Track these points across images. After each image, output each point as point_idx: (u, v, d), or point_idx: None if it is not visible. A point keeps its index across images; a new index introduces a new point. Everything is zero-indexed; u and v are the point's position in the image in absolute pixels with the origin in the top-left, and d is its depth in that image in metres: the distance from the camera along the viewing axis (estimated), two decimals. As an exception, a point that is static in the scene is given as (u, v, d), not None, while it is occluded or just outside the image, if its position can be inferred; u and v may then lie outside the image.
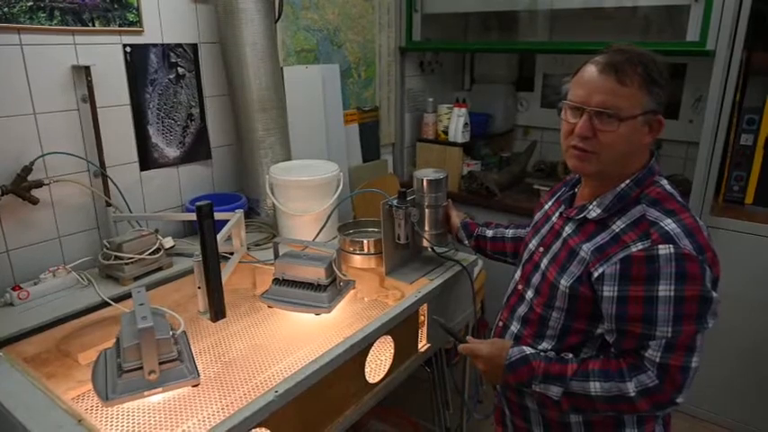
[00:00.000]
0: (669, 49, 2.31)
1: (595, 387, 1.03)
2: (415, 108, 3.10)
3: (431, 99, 3.02)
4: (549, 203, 1.32)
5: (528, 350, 1.13)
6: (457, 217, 1.69)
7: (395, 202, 1.63)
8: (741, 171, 2.31)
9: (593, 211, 1.11)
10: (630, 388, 1.01)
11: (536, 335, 1.18)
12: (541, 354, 1.12)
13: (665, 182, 1.11)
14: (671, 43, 2.33)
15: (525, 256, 1.29)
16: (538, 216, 1.34)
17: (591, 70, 1.06)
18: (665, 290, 0.98)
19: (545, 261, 1.19)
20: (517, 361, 1.12)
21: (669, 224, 1.01)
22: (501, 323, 1.31)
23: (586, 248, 1.09)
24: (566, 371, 1.06)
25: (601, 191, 1.11)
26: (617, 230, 1.06)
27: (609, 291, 1.03)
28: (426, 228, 1.69)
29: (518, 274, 1.30)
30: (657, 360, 1.00)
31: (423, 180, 1.65)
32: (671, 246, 0.98)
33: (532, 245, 1.28)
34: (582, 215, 1.13)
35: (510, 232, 1.57)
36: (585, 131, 1.06)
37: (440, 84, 3.24)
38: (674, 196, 1.08)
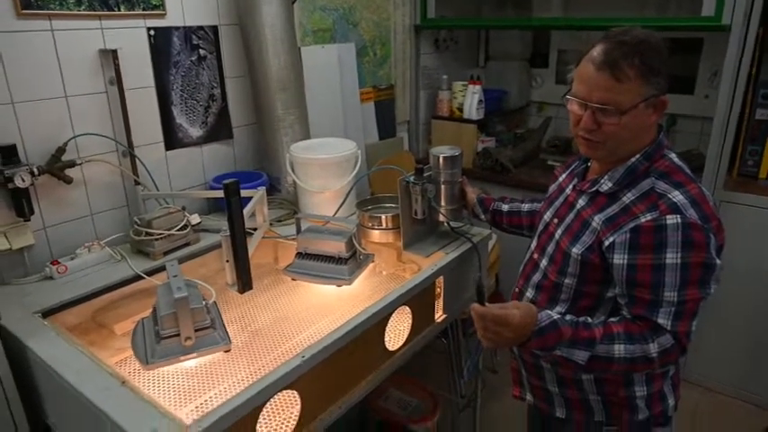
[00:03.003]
0: (685, 24, 2.31)
1: (619, 350, 1.06)
2: (430, 85, 3.13)
3: (445, 76, 3.04)
4: (563, 176, 1.38)
5: (554, 315, 1.10)
6: (472, 193, 1.74)
7: (412, 178, 1.68)
8: (756, 145, 2.32)
9: (605, 185, 1.16)
10: (653, 349, 1.06)
11: (549, 300, 1.25)
12: (566, 318, 1.10)
13: (673, 155, 1.16)
14: (686, 18, 2.33)
15: (540, 226, 1.36)
16: (552, 188, 1.41)
17: (589, 68, 1.09)
18: (671, 257, 1.04)
19: (559, 231, 1.25)
20: (547, 326, 1.08)
21: (676, 195, 1.07)
22: (517, 290, 1.38)
23: (598, 219, 1.15)
24: (594, 335, 1.07)
25: (612, 166, 1.17)
26: (627, 202, 1.12)
27: (619, 258, 1.09)
28: (442, 203, 1.74)
29: (534, 243, 1.37)
30: (669, 327, 1.06)
31: (439, 157, 1.69)
32: (678, 216, 1.04)
33: (547, 216, 1.34)
34: (594, 188, 1.19)
35: (526, 206, 1.62)
36: (590, 125, 1.11)
37: (454, 61, 3.26)
38: (681, 169, 1.14)
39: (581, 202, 1.22)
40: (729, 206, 2.27)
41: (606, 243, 1.11)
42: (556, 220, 1.28)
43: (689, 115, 2.74)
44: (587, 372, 1.19)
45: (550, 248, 1.27)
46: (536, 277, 1.30)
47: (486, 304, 1.08)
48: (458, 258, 1.71)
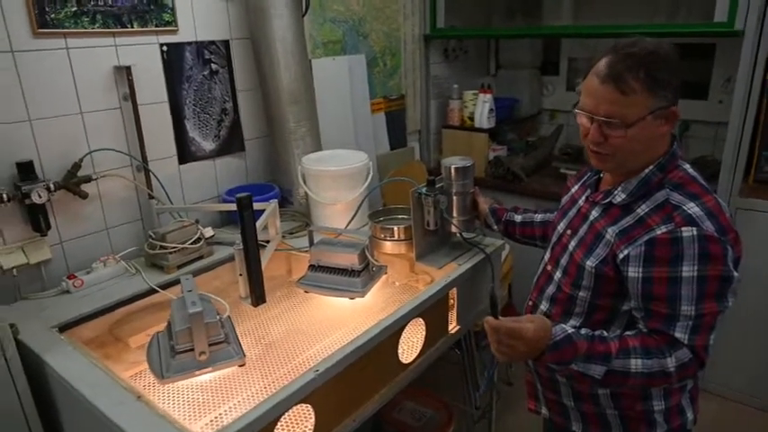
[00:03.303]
0: (697, 30, 2.30)
1: (636, 364, 1.04)
2: (441, 95, 3.13)
3: (456, 85, 3.05)
4: (576, 187, 1.37)
5: (568, 329, 1.09)
6: (485, 203, 1.74)
7: (424, 189, 1.68)
8: (772, 151, 2.29)
9: (619, 196, 1.15)
10: (671, 364, 1.04)
11: (564, 313, 1.24)
12: (579, 332, 1.09)
13: (687, 166, 1.15)
14: (699, 24, 2.31)
15: (554, 238, 1.34)
16: (565, 199, 1.40)
17: (594, 81, 1.09)
18: (688, 270, 1.03)
19: (573, 243, 1.24)
20: (562, 340, 1.06)
21: (692, 207, 1.05)
22: (531, 302, 1.37)
23: (612, 231, 1.13)
24: (610, 349, 1.06)
25: (624, 178, 1.16)
26: (641, 214, 1.10)
27: (634, 272, 1.08)
28: (455, 214, 1.74)
29: (547, 255, 1.36)
30: (686, 342, 1.04)
31: (450, 168, 1.69)
32: (694, 228, 1.03)
33: (561, 227, 1.33)
34: (608, 200, 1.18)
35: (539, 217, 1.61)
36: (597, 138, 1.11)
37: (465, 70, 3.26)
38: (696, 180, 1.12)
39: (594, 214, 1.21)
40: (745, 213, 2.24)
41: (621, 256, 1.10)
42: (569, 232, 1.27)
43: (702, 121, 2.72)
44: (604, 386, 1.17)
45: (564, 260, 1.25)
46: (550, 290, 1.29)
47: (500, 317, 1.08)
48: (471, 269, 1.70)
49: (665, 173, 1.12)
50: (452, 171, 1.69)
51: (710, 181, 2.23)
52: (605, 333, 1.12)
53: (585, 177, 1.35)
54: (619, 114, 1.07)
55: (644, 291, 1.08)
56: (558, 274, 1.27)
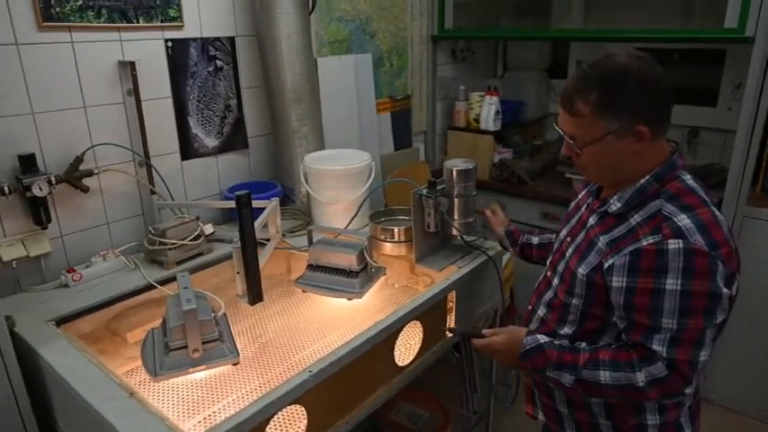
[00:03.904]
0: (707, 36, 2.27)
1: (605, 376, 1.07)
2: (447, 96, 3.12)
3: (462, 87, 3.03)
4: (582, 193, 1.36)
5: (542, 338, 1.18)
6: (500, 225, 1.70)
7: (425, 191, 1.67)
8: (780, 160, 2.26)
9: (614, 205, 1.13)
10: (640, 378, 1.04)
11: (559, 319, 1.23)
12: (555, 342, 1.17)
13: (687, 176, 1.12)
14: (708, 30, 2.29)
15: (556, 244, 1.34)
16: (571, 205, 1.38)
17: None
18: (672, 283, 1.00)
19: (570, 250, 1.23)
20: (532, 349, 1.17)
21: (683, 219, 1.03)
22: (530, 307, 1.36)
23: (603, 240, 1.13)
24: (577, 360, 1.11)
25: (620, 187, 1.14)
26: (633, 224, 1.09)
27: (618, 281, 1.07)
28: (455, 217, 1.73)
29: (549, 262, 1.35)
30: (665, 355, 1.02)
31: (452, 170, 1.68)
32: (680, 241, 1.00)
33: (562, 234, 1.32)
34: (603, 208, 1.17)
35: (555, 236, 1.57)
36: (566, 152, 1.16)
37: (472, 72, 3.25)
38: (694, 191, 1.09)
39: (591, 221, 1.20)
40: (752, 222, 2.21)
41: (606, 265, 1.09)
42: (569, 239, 1.26)
43: (711, 128, 2.69)
44: (580, 394, 1.17)
45: (561, 267, 1.25)
46: (548, 295, 1.28)
47: (485, 331, 1.29)
48: (470, 273, 1.69)
49: (661, 183, 1.10)
50: (454, 173, 1.68)
51: (717, 189, 2.22)
52: (582, 345, 1.15)
53: (590, 184, 1.33)
54: (571, 134, 1.11)
55: (626, 301, 1.06)
56: (555, 281, 1.26)
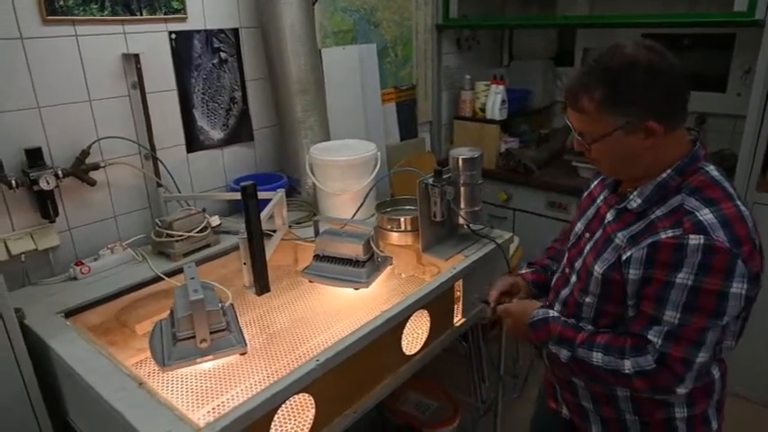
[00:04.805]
0: (716, 19, 2.24)
1: (597, 358, 1.08)
2: (452, 86, 3.10)
3: (468, 76, 3.01)
4: (595, 183, 1.30)
5: (552, 313, 1.21)
6: (521, 284, 1.43)
7: (430, 180, 1.66)
8: (791, 145, 2.23)
9: (634, 202, 1.09)
10: (627, 366, 1.03)
11: (573, 316, 1.20)
12: (562, 318, 1.19)
13: (711, 167, 1.07)
14: (717, 14, 2.25)
15: (572, 239, 1.28)
16: (584, 196, 1.33)
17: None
18: (683, 278, 0.98)
19: (588, 247, 1.19)
20: (539, 321, 1.20)
21: (705, 214, 0.98)
22: (547, 303, 1.33)
23: (622, 236, 1.09)
24: (575, 338, 1.13)
25: (639, 182, 1.09)
26: (653, 218, 1.05)
27: (635, 273, 1.04)
28: (462, 205, 1.72)
29: (566, 258, 1.30)
30: (658, 347, 1.00)
31: (458, 159, 1.67)
32: (702, 237, 0.96)
33: (578, 228, 1.27)
34: (623, 205, 1.12)
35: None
36: (577, 147, 1.14)
37: (477, 61, 3.22)
38: (719, 183, 1.04)
39: (609, 217, 1.16)
40: (763, 208, 2.18)
41: (623, 257, 1.06)
42: (587, 235, 1.22)
43: (720, 114, 2.65)
44: (576, 373, 1.17)
45: (578, 264, 1.21)
46: (564, 292, 1.26)
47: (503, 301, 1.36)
48: (477, 261, 1.68)
49: (683, 177, 1.05)
50: (460, 162, 1.67)
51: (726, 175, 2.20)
52: (588, 326, 1.15)
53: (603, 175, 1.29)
54: (580, 130, 1.09)
55: (638, 290, 1.05)
56: (573, 278, 1.23)
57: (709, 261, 0.96)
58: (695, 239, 0.97)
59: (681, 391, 1.03)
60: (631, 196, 1.09)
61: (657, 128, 1.01)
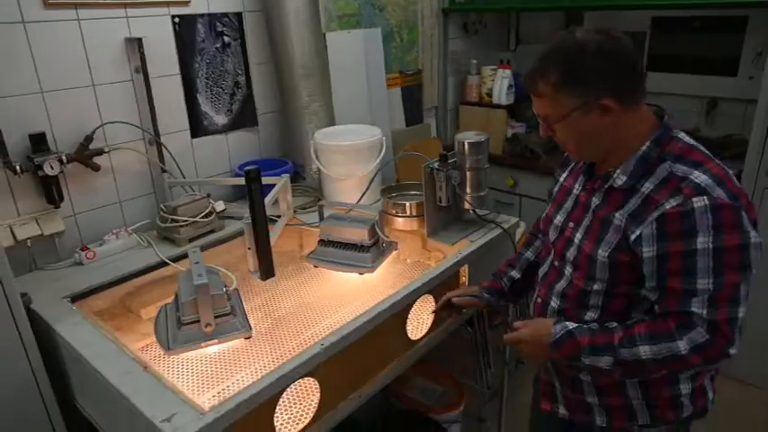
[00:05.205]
0: (728, 0, 2.20)
1: (645, 351, 1.03)
2: (459, 70, 3.07)
3: (474, 61, 2.98)
4: (563, 176, 1.31)
5: (571, 325, 1.13)
6: (472, 293, 1.50)
7: (436, 164, 1.65)
8: (803, 129, 2.19)
9: (619, 179, 1.10)
10: (682, 346, 1.01)
11: (578, 307, 1.18)
12: (584, 327, 1.12)
13: (683, 135, 1.11)
14: (730, -6, 2.21)
15: (554, 233, 1.27)
16: (555, 190, 1.33)
17: None
18: (703, 242, 0.98)
19: (578, 235, 1.18)
20: (561, 337, 1.12)
21: (699, 176, 1.01)
22: (540, 300, 1.30)
23: (620, 216, 1.08)
24: (612, 340, 1.07)
25: (617, 161, 1.10)
26: (647, 192, 1.05)
27: (648, 251, 1.03)
28: (468, 190, 1.70)
29: (552, 252, 1.29)
30: (705, 317, 1.00)
31: (464, 143, 1.65)
32: (705, 197, 0.98)
33: (558, 220, 1.26)
34: (608, 184, 1.12)
35: (531, 254, 1.49)
36: (543, 133, 1.16)
37: (484, 45, 3.18)
38: (696, 148, 1.08)
39: (595, 201, 1.15)
40: (774, 193, 2.16)
41: (633, 237, 1.05)
42: (572, 224, 1.21)
43: (731, 98, 2.61)
44: (621, 377, 1.13)
45: (571, 254, 1.19)
46: (560, 285, 1.23)
47: (516, 323, 1.23)
48: (484, 246, 1.67)
49: (661, 147, 1.08)
50: (466, 146, 1.65)
51: (736, 160, 2.17)
52: (613, 324, 1.10)
53: (573, 164, 1.29)
54: (540, 112, 1.12)
55: (659, 269, 1.03)
56: (567, 269, 1.21)
57: (720, 219, 0.98)
58: (699, 202, 0.98)
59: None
60: (615, 175, 1.11)
61: (613, 105, 1.05)
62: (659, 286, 1.05)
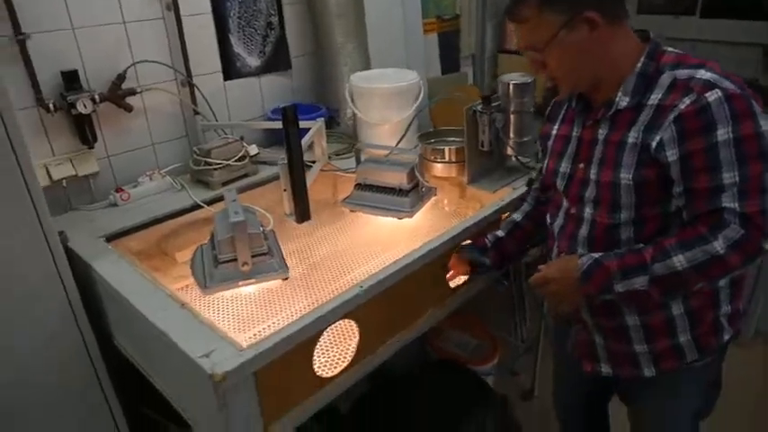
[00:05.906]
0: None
1: (680, 261, 0.99)
2: (498, 15, 2.91)
3: (515, 5, 2.82)
4: (556, 127, 1.26)
5: (596, 255, 1.08)
6: (462, 256, 1.42)
7: (479, 107, 1.57)
8: None
9: (623, 101, 1.07)
10: (718, 246, 0.96)
11: (605, 247, 1.11)
12: (611, 253, 1.07)
13: (671, 48, 1.09)
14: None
15: (562, 181, 1.21)
16: (550, 144, 1.28)
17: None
18: (723, 133, 0.96)
19: (593, 171, 1.12)
20: (590, 267, 1.06)
21: (704, 74, 1.00)
22: (563, 254, 1.22)
23: (634, 133, 1.06)
24: (643, 258, 1.02)
25: (612, 86, 1.08)
26: (656, 102, 1.04)
27: (672, 154, 1.00)
28: (511, 135, 1.62)
29: (564, 202, 1.23)
30: (738, 210, 0.96)
31: (508, 84, 1.57)
32: (717, 90, 0.97)
33: (564, 168, 1.20)
34: (612, 110, 1.09)
35: (518, 216, 1.43)
36: (535, 69, 1.12)
37: (525, -11, 3.01)
38: (688, 54, 1.07)
39: (602, 132, 1.11)
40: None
41: (654, 144, 1.02)
42: (581, 165, 1.15)
43: (749, 42, 2.43)
44: (658, 297, 1.06)
45: (589, 193, 1.13)
46: (583, 231, 1.17)
47: (540, 267, 1.16)
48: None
49: (657, 60, 1.07)
50: (510, 87, 1.57)
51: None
52: (640, 244, 1.06)
53: (563, 112, 1.24)
54: (530, 42, 1.08)
55: (683, 169, 1.00)
56: (587, 211, 1.15)
57: (735, 108, 0.97)
58: (713, 95, 0.97)
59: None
60: (617, 98, 1.08)
61: (598, 18, 1.03)
62: (686, 189, 1.01)
